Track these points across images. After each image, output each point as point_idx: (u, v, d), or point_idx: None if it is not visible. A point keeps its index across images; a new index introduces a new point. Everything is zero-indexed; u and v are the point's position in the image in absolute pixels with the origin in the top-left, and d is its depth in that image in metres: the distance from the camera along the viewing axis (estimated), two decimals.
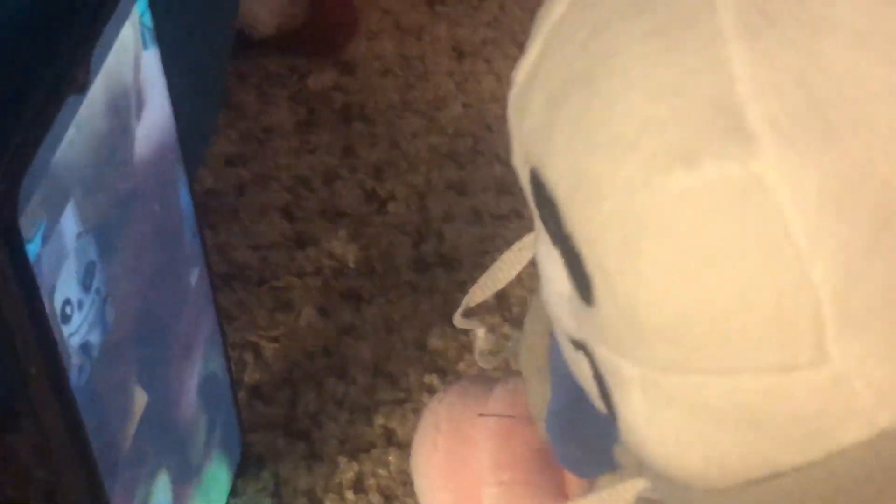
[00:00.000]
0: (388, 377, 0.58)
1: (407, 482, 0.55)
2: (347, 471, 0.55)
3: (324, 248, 0.63)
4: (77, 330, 0.37)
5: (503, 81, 0.72)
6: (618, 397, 0.28)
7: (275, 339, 0.59)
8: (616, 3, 0.27)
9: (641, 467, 0.30)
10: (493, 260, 0.65)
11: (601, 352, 0.28)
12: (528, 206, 0.67)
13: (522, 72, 0.30)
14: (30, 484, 0.53)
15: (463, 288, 0.62)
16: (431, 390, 0.58)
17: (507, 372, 0.51)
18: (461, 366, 0.59)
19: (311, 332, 0.60)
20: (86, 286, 0.38)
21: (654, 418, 0.28)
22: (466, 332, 0.60)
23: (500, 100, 0.73)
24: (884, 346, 0.25)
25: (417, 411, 0.57)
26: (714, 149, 0.25)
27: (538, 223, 0.30)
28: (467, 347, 0.59)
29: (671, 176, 0.25)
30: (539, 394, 0.38)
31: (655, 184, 0.25)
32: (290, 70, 0.71)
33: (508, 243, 0.66)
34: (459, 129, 0.69)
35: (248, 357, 0.58)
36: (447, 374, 0.58)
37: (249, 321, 0.60)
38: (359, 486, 0.54)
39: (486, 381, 0.48)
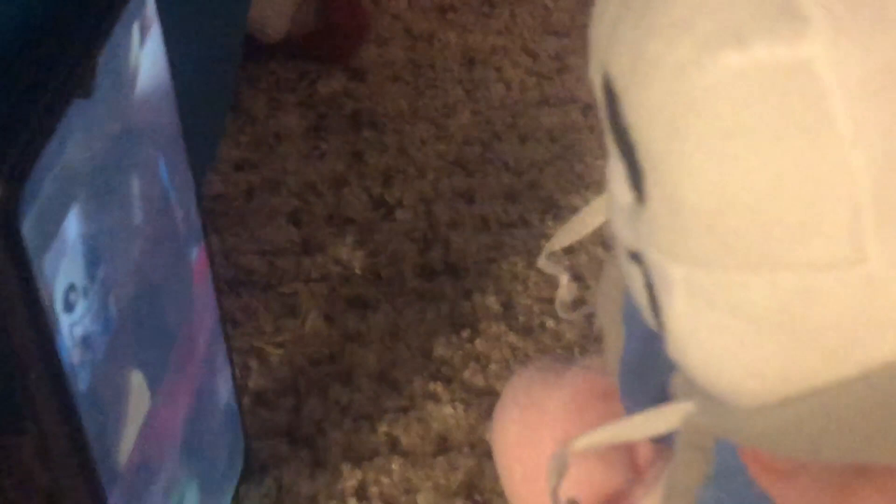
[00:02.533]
0: (392, 385, 0.58)
1: (409, 490, 0.54)
2: (350, 478, 0.54)
3: (330, 255, 0.63)
4: (80, 319, 0.37)
5: (513, 89, 0.72)
6: (664, 303, 0.29)
7: (280, 346, 0.59)
8: None
9: (691, 393, 0.30)
10: (500, 269, 0.65)
11: (651, 256, 0.29)
12: (535, 214, 0.67)
13: None
14: (32, 488, 0.53)
15: (469, 296, 0.62)
16: (436, 398, 0.58)
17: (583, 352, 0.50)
18: (466, 374, 0.58)
19: (316, 338, 0.59)
20: (90, 276, 0.37)
21: (695, 322, 0.28)
22: (472, 341, 0.60)
23: (509, 107, 0.73)
24: None
25: (421, 419, 0.57)
26: (765, 30, 0.25)
27: (608, 140, 0.30)
28: (472, 356, 0.59)
29: (721, 55, 0.25)
30: (614, 344, 0.38)
31: (705, 63, 0.25)
32: (300, 75, 0.71)
33: (515, 251, 0.66)
34: (468, 137, 0.69)
35: (253, 363, 0.58)
36: (452, 382, 0.58)
37: (255, 327, 0.60)
38: (361, 494, 0.54)
39: (566, 358, 0.48)
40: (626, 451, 0.42)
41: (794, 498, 0.28)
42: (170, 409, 0.45)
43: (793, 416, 0.27)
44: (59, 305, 0.35)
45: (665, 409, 0.31)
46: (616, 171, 0.30)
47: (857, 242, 0.25)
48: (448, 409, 0.57)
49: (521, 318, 0.61)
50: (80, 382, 0.38)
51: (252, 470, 0.54)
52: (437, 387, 0.58)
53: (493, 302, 0.61)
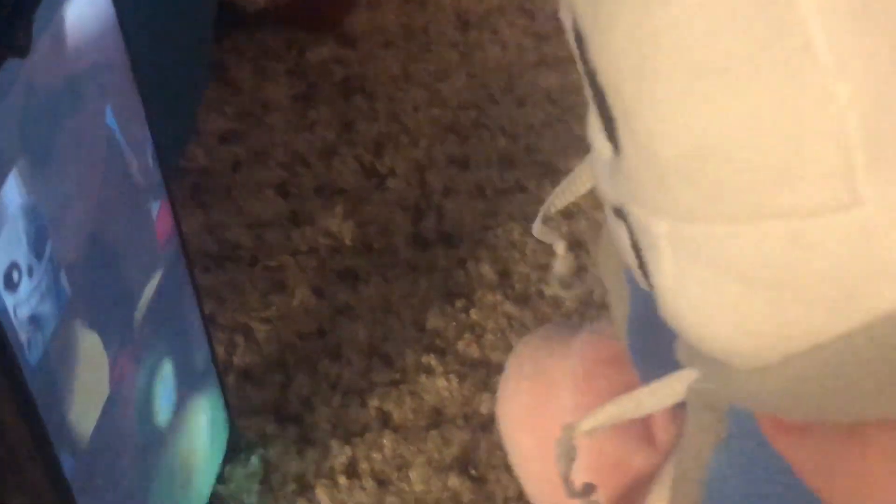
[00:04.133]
0: (383, 358, 0.56)
1: (402, 466, 0.52)
2: (340, 455, 0.52)
3: (320, 227, 0.61)
4: (27, 299, 0.35)
5: (509, 51, 0.69)
6: (651, 262, 0.27)
7: (267, 321, 0.57)
8: None
9: (694, 358, 0.28)
10: (496, 236, 0.63)
11: (634, 212, 0.27)
12: (533, 179, 0.64)
13: None
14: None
15: (463, 266, 0.60)
16: (429, 371, 0.55)
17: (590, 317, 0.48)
18: (460, 345, 0.56)
19: (305, 312, 0.57)
20: (37, 253, 0.36)
21: (683, 280, 0.26)
22: (466, 311, 0.58)
23: (506, 69, 0.71)
24: None
25: (414, 393, 0.55)
26: None
27: (585, 87, 0.28)
28: (467, 327, 0.57)
29: None
30: (619, 307, 0.36)
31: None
32: (288, 44, 0.69)
33: (511, 218, 0.64)
34: (463, 102, 0.67)
35: (240, 339, 0.56)
36: (446, 353, 0.56)
37: (242, 302, 0.58)
38: (352, 471, 0.52)
39: (571, 324, 0.46)
40: (640, 418, 0.40)
41: (806, 456, 0.26)
42: (136, 371, 0.43)
43: (794, 375, 0.25)
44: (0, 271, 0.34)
45: (669, 379, 0.29)
46: (594, 121, 0.28)
47: (848, 184, 0.23)
48: (442, 382, 0.55)
49: (518, 287, 0.59)
50: (31, 356, 0.36)
51: (238, 448, 0.52)
52: (431, 359, 0.56)
53: (488, 271, 0.59)
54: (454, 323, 0.57)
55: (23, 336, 0.35)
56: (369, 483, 0.52)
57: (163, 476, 0.45)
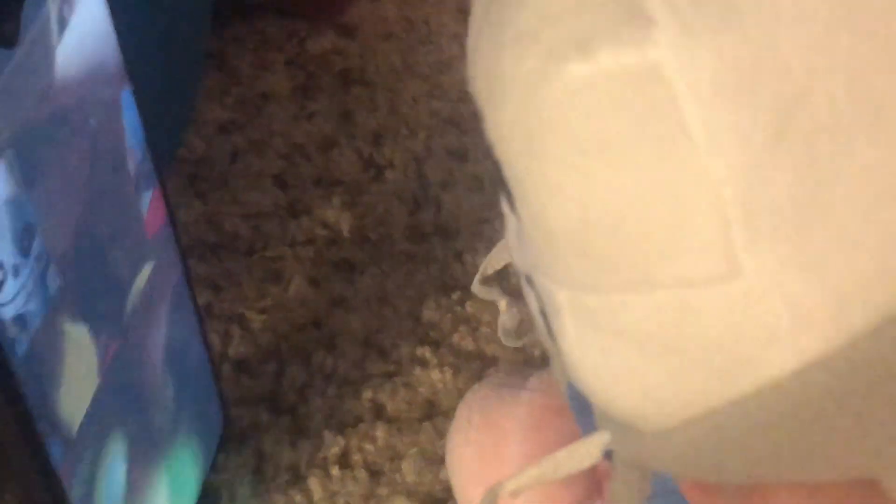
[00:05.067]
0: (378, 350, 0.56)
1: (394, 458, 0.52)
2: (333, 445, 0.53)
3: (317, 218, 0.61)
4: (12, 299, 0.35)
5: None
6: (555, 328, 0.28)
7: (263, 311, 0.57)
8: None
9: (606, 420, 0.29)
10: (493, 229, 0.63)
11: (538, 279, 0.28)
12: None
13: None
14: None
15: (460, 258, 0.60)
16: (424, 363, 0.56)
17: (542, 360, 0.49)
18: (455, 338, 0.56)
19: (300, 303, 0.58)
20: (23, 251, 0.36)
21: (585, 347, 0.27)
22: (462, 304, 0.58)
23: None
24: (798, 257, 0.23)
25: (408, 385, 0.55)
26: (610, 36, 0.23)
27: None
28: (462, 319, 0.57)
29: (568, 66, 0.24)
30: (558, 366, 0.37)
31: (553, 75, 0.24)
32: (288, 34, 0.69)
33: None
34: (463, 94, 0.67)
35: (235, 329, 0.56)
36: (440, 346, 0.56)
37: (238, 293, 0.58)
38: (344, 462, 0.52)
39: (521, 372, 0.47)
40: (591, 472, 0.40)
41: None
42: (129, 363, 0.43)
43: (691, 439, 0.26)
44: None
45: (585, 442, 0.30)
46: (502, 191, 0.29)
47: (728, 256, 0.24)
48: (436, 374, 0.55)
49: (514, 280, 0.58)
50: (17, 349, 0.36)
51: (232, 438, 0.52)
52: (425, 351, 0.56)
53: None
54: (450, 315, 0.57)
55: (8, 335, 0.35)
56: (361, 474, 0.52)
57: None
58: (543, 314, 0.28)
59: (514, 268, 0.30)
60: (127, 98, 0.41)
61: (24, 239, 0.35)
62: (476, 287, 0.39)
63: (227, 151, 0.64)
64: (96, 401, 0.41)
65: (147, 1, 0.49)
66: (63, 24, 0.37)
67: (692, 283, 0.24)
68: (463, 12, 0.71)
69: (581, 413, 0.35)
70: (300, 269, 0.59)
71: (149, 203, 0.43)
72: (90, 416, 0.40)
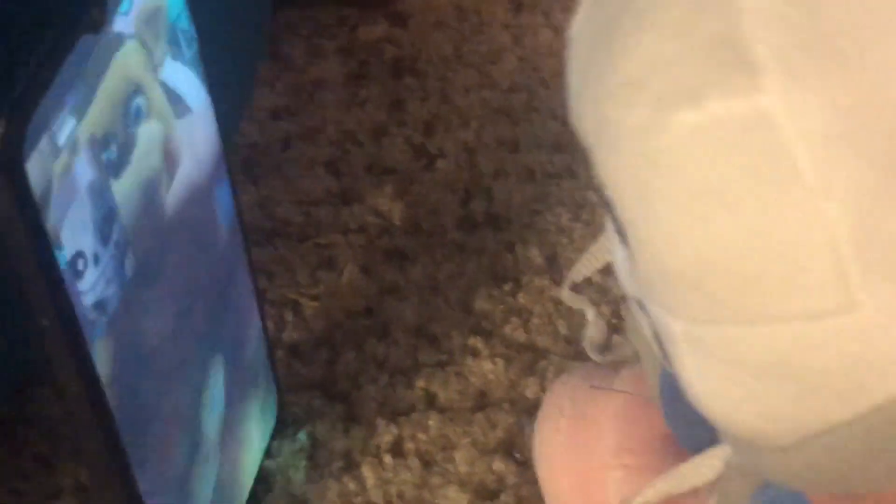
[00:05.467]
0: (430, 339, 0.56)
1: (446, 447, 0.53)
2: (385, 434, 0.53)
3: (369, 205, 0.61)
4: (92, 287, 0.35)
5: (561, 35, 0.69)
6: (671, 354, 0.28)
7: (315, 298, 0.57)
8: None
9: (726, 435, 0.30)
10: (545, 220, 0.63)
11: (652, 309, 0.28)
12: (582, 165, 0.64)
13: (573, 28, 0.30)
14: (58, 439, 0.52)
15: (512, 249, 0.60)
16: (475, 353, 0.56)
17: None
18: (507, 329, 0.57)
19: (353, 290, 0.58)
20: (103, 238, 0.36)
21: (703, 374, 0.27)
22: (514, 294, 0.58)
23: (558, 54, 0.71)
24: None
25: (460, 374, 0.55)
26: (719, 84, 0.24)
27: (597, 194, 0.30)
28: (514, 310, 0.57)
29: (678, 115, 0.24)
30: (651, 369, 0.37)
31: (663, 124, 0.25)
32: (339, 21, 0.69)
33: (561, 203, 0.64)
34: (514, 84, 0.67)
35: (288, 315, 0.57)
36: (492, 336, 0.56)
37: (290, 279, 0.58)
38: (397, 450, 0.53)
39: (612, 363, 0.47)
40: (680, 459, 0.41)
41: None
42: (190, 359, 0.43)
43: (810, 455, 0.27)
44: (68, 257, 0.34)
45: (708, 454, 0.31)
46: (609, 220, 0.30)
47: (844, 291, 0.25)
48: (488, 365, 0.55)
49: (566, 272, 0.59)
50: (96, 332, 0.36)
51: (286, 424, 0.53)
52: (477, 341, 0.56)
53: (536, 255, 0.59)
54: (501, 306, 0.57)
55: (86, 321, 0.35)
56: (414, 463, 0.52)
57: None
58: (657, 338, 0.29)
59: (623, 290, 0.31)
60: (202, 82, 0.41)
61: (104, 227, 0.36)
62: (564, 294, 0.39)
63: (279, 138, 0.64)
64: (162, 385, 0.41)
65: None
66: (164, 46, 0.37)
67: (809, 317, 0.25)
68: (513, 2, 0.71)
69: (671, 411, 0.36)
70: (352, 257, 0.59)
71: (220, 189, 0.44)
72: (158, 399, 0.41)
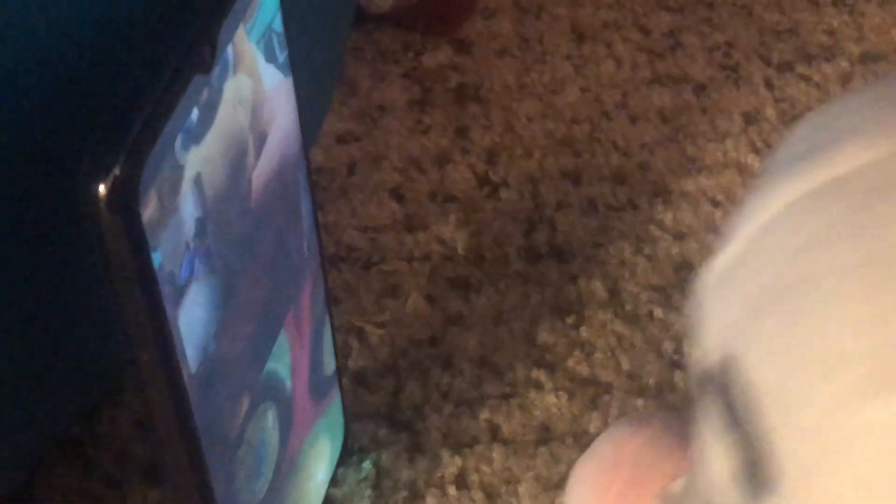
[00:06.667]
0: (494, 370, 0.56)
1: (510, 480, 0.53)
2: (450, 465, 0.53)
3: (433, 233, 0.61)
4: (188, 310, 0.36)
5: (623, 66, 0.70)
6: None
7: (381, 325, 0.58)
8: (835, 218, 0.28)
9: None
10: (607, 253, 0.63)
11: None
12: (644, 198, 0.64)
13: (720, 262, 0.30)
14: (128, 461, 0.52)
15: (575, 281, 0.61)
16: (539, 386, 0.56)
17: None
18: (570, 362, 0.57)
19: (417, 319, 0.58)
20: (206, 268, 0.36)
21: None
22: (577, 327, 0.58)
23: (620, 85, 0.71)
24: None
25: (523, 407, 0.55)
26: None
27: (706, 418, 0.29)
28: (577, 343, 0.58)
29: (866, 406, 0.25)
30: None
31: (854, 411, 0.26)
32: (404, 46, 0.69)
33: (623, 236, 0.64)
34: (576, 115, 0.67)
35: (353, 342, 0.57)
36: (556, 370, 0.56)
37: (356, 305, 0.58)
38: (461, 482, 0.53)
39: (683, 423, 0.43)
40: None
41: None
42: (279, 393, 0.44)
43: None
44: (174, 290, 0.34)
45: None
46: (715, 441, 0.29)
47: None
48: (551, 398, 0.56)
49: (628, 307, 0.59)
50: (190, 365, 0.37)
51: (351, 452, 0.53)
52: (541, 374, 0.56)
53: (598, 288, 0.60)
54: (564, 339, 0.58)
55: (180, 347, 0.36)
56: (479, 495, 0.52)
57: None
58: None
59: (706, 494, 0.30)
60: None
61: (204, 252, 0.36)
62: None
63: (344, 163, 0.64)
64: (248, 415, 0.41)
65: (292, 15, 0.50)
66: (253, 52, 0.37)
67: None
68: (576, 32, 0.71)
69: None
70: (417, 285, 0.59)
71: (307, 224, 0.44)
72: (243, 427, 0.41)
